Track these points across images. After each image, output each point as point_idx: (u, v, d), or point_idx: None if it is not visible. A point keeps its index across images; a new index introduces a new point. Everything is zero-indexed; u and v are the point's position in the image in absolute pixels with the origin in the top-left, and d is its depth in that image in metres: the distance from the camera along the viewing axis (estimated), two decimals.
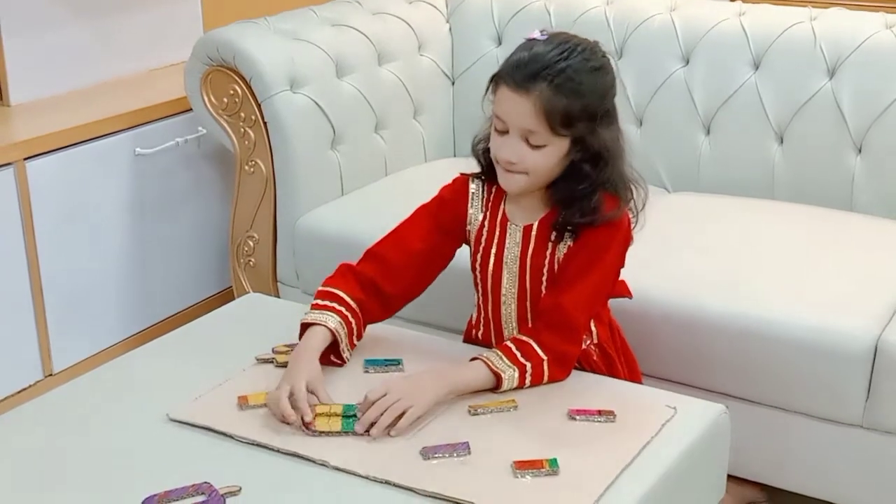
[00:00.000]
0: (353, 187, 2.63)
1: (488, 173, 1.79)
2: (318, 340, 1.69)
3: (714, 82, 2.60)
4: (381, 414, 1.56)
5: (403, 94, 2.78)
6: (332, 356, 1.72)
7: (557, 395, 1.68)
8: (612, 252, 1.73)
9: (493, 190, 1.80)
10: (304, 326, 1.72)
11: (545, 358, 1.68)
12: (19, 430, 1.61)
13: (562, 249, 1.74)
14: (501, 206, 1.79)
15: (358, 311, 1.74)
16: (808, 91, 2.50)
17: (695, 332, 2.07)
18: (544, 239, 1.75)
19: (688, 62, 2.64)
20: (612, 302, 1.90)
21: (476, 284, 1.84)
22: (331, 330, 1.69)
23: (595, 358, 1.84)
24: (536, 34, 1.70)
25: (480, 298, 1.85)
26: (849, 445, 2.00)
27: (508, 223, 1.78)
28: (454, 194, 1.83)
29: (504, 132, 1.68)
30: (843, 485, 2.04)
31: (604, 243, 1.72)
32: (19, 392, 2.46)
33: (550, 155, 1.67)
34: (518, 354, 1.68)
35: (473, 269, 1.83)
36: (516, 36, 2.83)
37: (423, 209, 1.84)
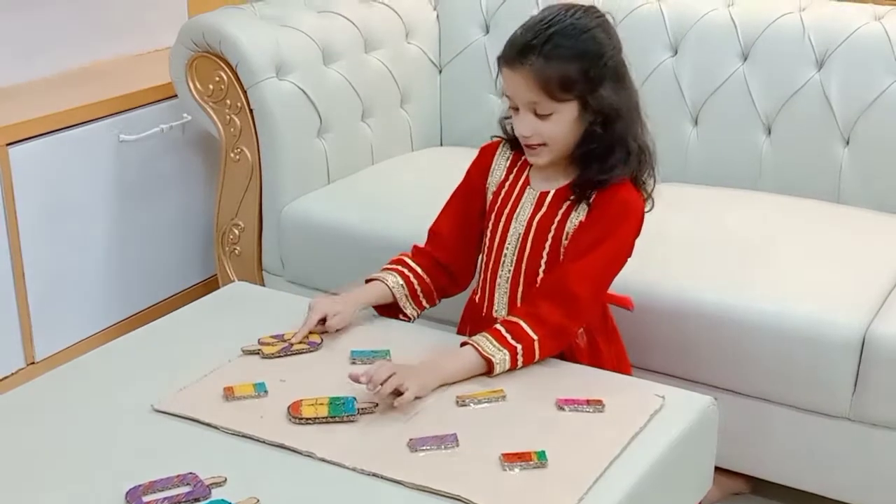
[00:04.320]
0: (339, 175, 2.62)
1: (515, 145, 1.84)
2: (365, 290, 1.85)
3: (702, 73, 2.59)
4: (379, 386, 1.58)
5: (390, 82, 2.77)
6: (399, 315, 1.88)
7: (545, 384, 1.68)
8: (623, 230, 1.75)
9: (522, 157, 1.84)
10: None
11: (536, 337, 1.69)
12: (0, 419, 1.60)
13: (573, 221, 1.76)
14: (526, 172, 1.83)
15: (425, 277, 1.86)
16: (797, 82, 2.50)
17: (682, 323, 2.06)
18: (556, 207, 1.78)
19: (676, 52, 2.63)
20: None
21: (483, 244, 1.87)
22: (388, 286, 1.84)
23: (580, 342, 1.83)
24: (535, 13, 1.77)
25: (484, 258, 1.87)
26: (836, 437, 2.00)
27: (528, 187, 1.82)
28: (486, 151, 1.90)
29: (516, 109, 1.74)
30: (829, 476, 2.04)
31: (615, 220, 1.74)
32: (0, 380, 2.44)
33: (560, 122, 1.71)
34: (508, 337, 1.69)
35: (485, 226, 1.86)
36: (504, 24, 2.82)
37: (462, 180, 1.92)
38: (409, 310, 1.87)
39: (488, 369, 1.68)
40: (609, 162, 1.73)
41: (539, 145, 1.74)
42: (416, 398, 1.60)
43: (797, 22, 2.52)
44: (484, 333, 1.70)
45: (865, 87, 2.43)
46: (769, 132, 2.55)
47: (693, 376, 2.07)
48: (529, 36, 1.70)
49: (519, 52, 1.69)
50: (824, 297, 2.02)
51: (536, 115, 1.71)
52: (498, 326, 1.71)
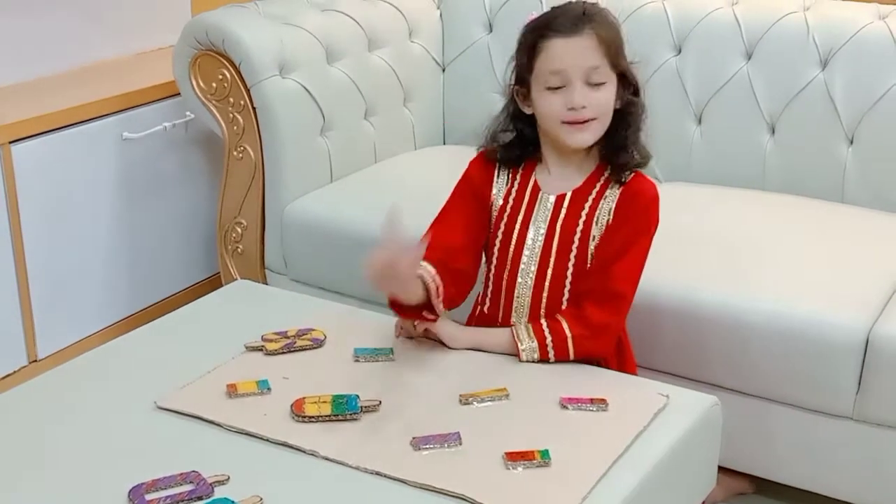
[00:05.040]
0: (342, 174, 2.62)
1: (509, 162, 1.83)
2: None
3: (706, 72, 2.59)
4: None
5: (393, 81, 2.76)
6: (423, 311, 1.72)
7: (549, 383, 1.68)
8: (650, 223, 1.78)
9: (521, 168, 1.84)
10: None
11: (570, 334, 1.73)
12: (3, 417, 1.60)
13: (600, 223, 1.77)
14: (532, 177, 1.82)
15: (438, 278, 1.72)
16: (801, 82, 2.49)
17: (685, 322, 2.06)
18: (577, 208, 1.78)
19: (680, 51, 2.63)
20: None
21: (491, 255, 1.85)
22: (424, 279, 1.68)
23: None
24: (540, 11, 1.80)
25: (494, 269, 1.85)
26: (839, 437, 2.00)
27: (540, 192, 1.81)
28: (481, 166, 1.86)
29: (559, 88, 1.72)
30: (832, 477, 2.04)
31: (644, 215, 1.77)
32: (3, 378, 2.44)
33: (610, 93, 1.74)
34: (546, 330, 1.73)
35: (494, 236, 1.84)
36: (508, 23, 2.82)
37: (456, 188, 1.88)
38: (439, 305, 1.71)
39: (517, 352, 1.74)
40: (640, 145, 1.77)
41: (589, 120, 1.73)
42: (447, 346, 1.75)
43: (801, 21, 2.51)
44: (526, 322, 1.77)
45: (869, 86, 2.43)
46: (773, 131, 2.54)
47: (697, 376, 2.07)
48: (581, 9, 1.73)
49: (577, 19, 1.71)
50: (828, 297, 2.01)
51: (590, 85, 1.71)
52: (542, 320, 1.76)
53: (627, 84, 1.77)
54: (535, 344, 1.73)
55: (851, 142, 2.47)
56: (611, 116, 1.75)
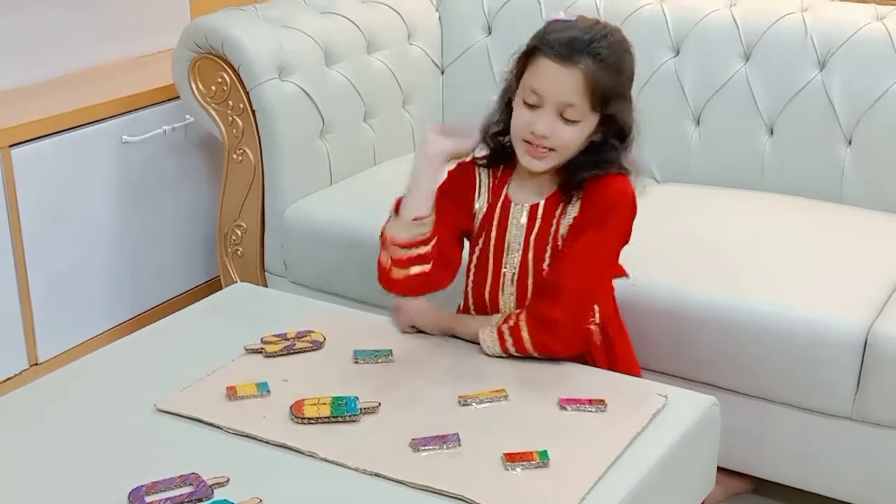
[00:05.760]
0: (341, 177, 2.62)
1: (496, 159, 1.81)
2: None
3: (704, 73, 2.59)
4: None
5: (392, 83, 2.77)
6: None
7: (548, 384, 1.68)
8: (614, 218, 1.74)
9: (499, 174, 1.82)
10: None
11: (524, 325, 1.72)
12: (3, 420, 1.60)
13: (566, 224, 1.75)
14: (504, 190, 1.81)
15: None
16: (799, 83, 2.49)
17: (683, 323, 2.06)
18: (550, 217, 1.76)
19: (678, 53, 2.63)
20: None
21: (469, 270, 1.84)
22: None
23: (595, 339, 1.83)
24: (561, 15, 1.74)
25: (472, 283, 1.85)
26: (838, 437, 2.00)
27: (512, 204, 1.79)
28: (462, 175, 1.84)
29: (535, 106, 1.69)
30: (831, 477, 2.04)
31: (606, 209, 1.73)
32: (4, 381, 2.44)
33: (582, 131, 1.70)
34: (501, 321, 1.75)
35: (472, 252, 1.84)
36: (506, 26, 2.83)
37: (451, 187, 1.84)
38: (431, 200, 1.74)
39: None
40: (602, 168, 1.73)
41: (548, 150, 1.70)
42: (421, 331, 1.81)
43: (799, 22, 2.52)
44: (495, 323, 1.77)
45: (867, 87, 2.43)
46: (771, 132, 2.55)
47: (695, 376, 2.07)
48: (586, 40, 1.66)
49: (575, 50, 1.65)
50: (827, 298, 2.02)
51: (562, 118, 1.68)
52: (503, 322, 1.75)
53: (613, 125, 1.72)
54: (495, 334, 1.74)
55: (850, 142, 2.47)
56: (574, 150, 1.72)
